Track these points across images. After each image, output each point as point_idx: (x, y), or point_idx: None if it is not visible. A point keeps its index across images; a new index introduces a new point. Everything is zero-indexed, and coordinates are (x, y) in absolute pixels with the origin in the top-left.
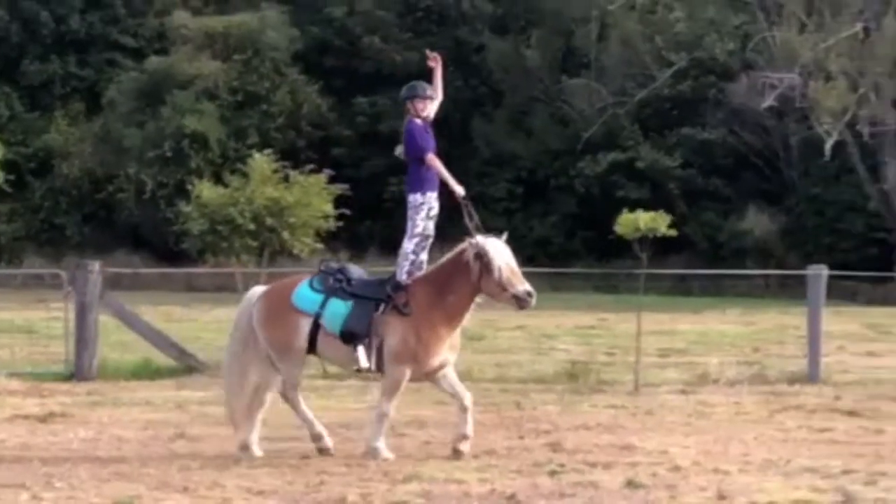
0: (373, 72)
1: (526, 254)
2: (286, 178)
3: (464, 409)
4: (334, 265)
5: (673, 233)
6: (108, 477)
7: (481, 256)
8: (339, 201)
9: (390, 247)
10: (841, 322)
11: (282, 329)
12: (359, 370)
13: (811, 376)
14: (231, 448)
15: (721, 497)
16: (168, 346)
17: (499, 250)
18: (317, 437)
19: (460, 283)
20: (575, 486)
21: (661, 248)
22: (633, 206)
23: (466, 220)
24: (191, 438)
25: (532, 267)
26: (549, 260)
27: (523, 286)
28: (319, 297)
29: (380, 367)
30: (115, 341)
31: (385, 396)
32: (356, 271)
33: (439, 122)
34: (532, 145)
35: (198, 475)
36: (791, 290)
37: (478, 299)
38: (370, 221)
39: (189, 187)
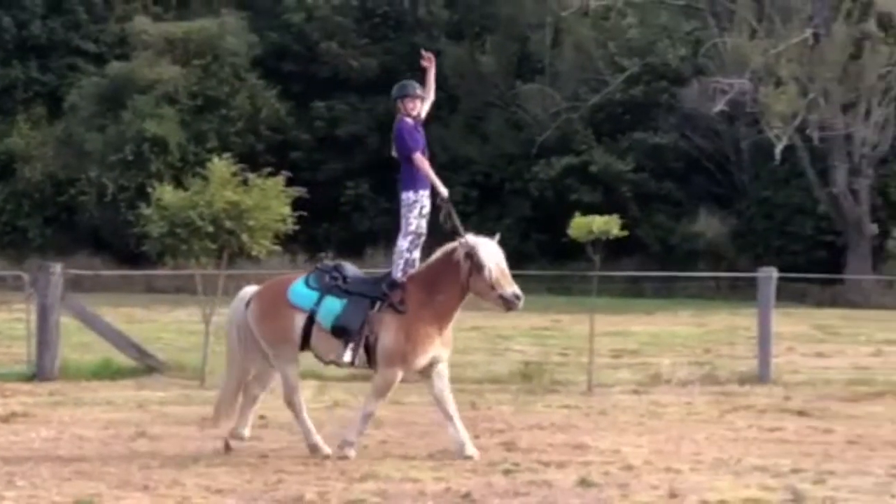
0: (330, 76)
1: None
2: (245, 182)
3: (449, 418)
4: (330, 263)
5: (625, 235)
6: (69, 476)
7: (472, 256)
8: (297, 204)
9: (347, 249)
10: (790, 323)
11: (277, 324)
12: (350, 364)
13: (761, 377)
14: (191, 448)
15: (672, 495)
16: (128, 346)
17: (490, 251)
18: (313, 448)
19: (450, 281)
20: (529, 484)
21: (613, 250)
22: (587, 209)
23: (442, 220)
24: (151, 438)
25: None
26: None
27: (511, 288)
28: (315, 295)
29: (368, 364)
30: (76, 342)
31: (374, 396)
32: (351, 269)
33: (391, 129)
34: (487, 150)
35: (158, 474)
36: (742, 292)
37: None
38: (327, 224)
39: (149, 190)
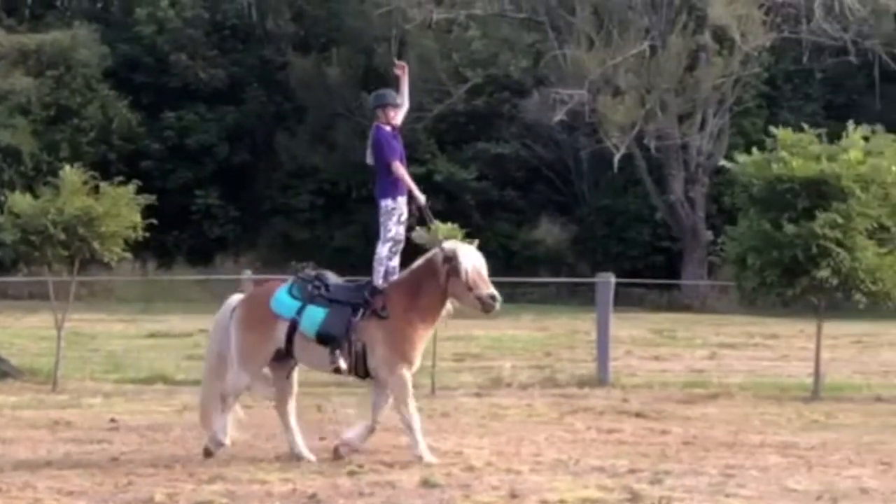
0: (180, 87)
1: (327, 263)
2: (96, 189)
3: (371, 430)
4: (311, 272)
5: (469, 242)
6: None
7: (450, 259)
8: (147, 212)
9: (197, 256)
10: (628, 327)
11: (257, 332)
12: (337, 371)
13: (600, 379)
14: (42, 451)
15: (513, 496)
16: None
17: (468, 255)
18: (214, 441)
19: (431, 286)
20: (373, 485)
21: None
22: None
23: (417, 225)
24: (4, 441)
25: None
26: (351, 268)
27: (488, 290)
28: (297, 304)
29: (356, 371)
30: None
31: (402, 405)
32: (332, 278)
33: (243, 137)
34: (334, 158)
35: (10, 477)
36: (581, 297)
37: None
38: (177, 231)
39: (2, 199)
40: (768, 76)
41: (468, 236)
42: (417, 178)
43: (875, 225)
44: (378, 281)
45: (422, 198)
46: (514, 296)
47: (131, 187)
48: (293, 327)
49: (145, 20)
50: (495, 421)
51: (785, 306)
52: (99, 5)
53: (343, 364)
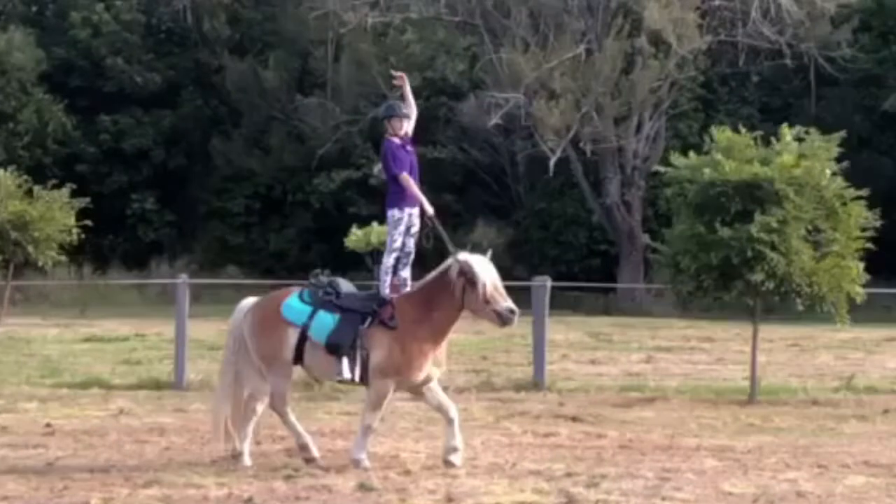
0: (116, 91)
1: (263, 266)
2: (30, 193)
3: (450, 422)
4: (324, 279)
5: None
6: None
7: (465, 273)
8: (82, 216)
9: (132, 260)
10: (565, 331)
11: (270, 339)
12: (341, 381)
13: (536, 383)
14: None
15: (449, 499)
16: None
17: (483, 267)
18: (303, 448)
19: (445, 298)
20: (309, 489)
21: None
22: (366, 221)
23: (426, 239)
24: None
25: (268, 279)
26: (287, 272)
27: (506, 303)
28: (308, 309)
29: (363, 380)
30: None
31: (370, 410)
32: (345, 285)
33: (179, 141)
34: (269, 162)
35: None
36: (517, 301)
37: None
38: (112, 235)
39: None
40: (704, 79)
41: None
42: (352, 182)
43: (810, 228)
44: (385, 291)
45: (430, 209)
46: None
47: (66, 191)
48: (303, 334)
49: (80, 24)
50: (432, 425)
51: (721, 309)
52: (34, 9)
53: (348, 375)
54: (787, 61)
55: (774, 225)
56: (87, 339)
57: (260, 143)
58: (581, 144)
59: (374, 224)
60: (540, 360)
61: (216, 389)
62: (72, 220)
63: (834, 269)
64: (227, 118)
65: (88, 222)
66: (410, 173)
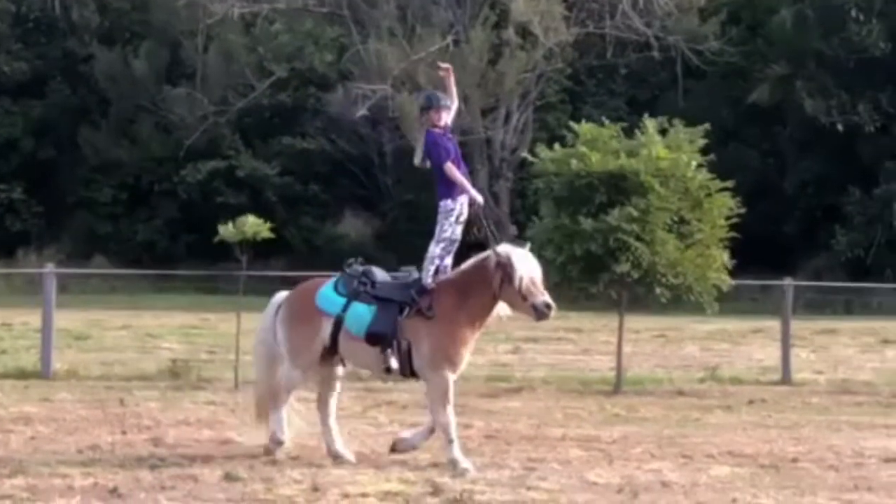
0: None
1: (131, 257)
2: None
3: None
4: (359, 268)
5: (272, 237)
6: None
7: (504, 265)
8: None
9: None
10: None
11: (304, 330)
12: (388, 371)
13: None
14: None
15: (315, 489)
16: None
17: (523, 260)
18: (277, 443)
19: (481, 289)
20: (175, 479)
21: (262, 251)
22: (234, 211)
23: (476, 230)
24: None
25: (136, 269)
26: (154, 262)
27: (543, 297)
28: (342, 300)
29: (404, 371)
30: None
31: (439, 406)
32: (380, 274)
33: (48, 131)
34: (137, 152)
35: None
36: None
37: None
38: None
39: None
40: (572, 71)
41: (272, 231)
42: (219, 173)
43: (675, 219)
44: (427, 280)
45: (478, 198)
46: None
47: None
48: (338, 325)
49: None
50: (298, 415)
51: (589, 301)
52: None
53: (395, 364)
54: (655, 54)
55: (636, 214)
56: None
57: (128, 134)
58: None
59: (249, 216)
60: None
61: (256, 381)
62: None
63: (699, 260)
64: (95, 108)
65: None
66: (455, 163)
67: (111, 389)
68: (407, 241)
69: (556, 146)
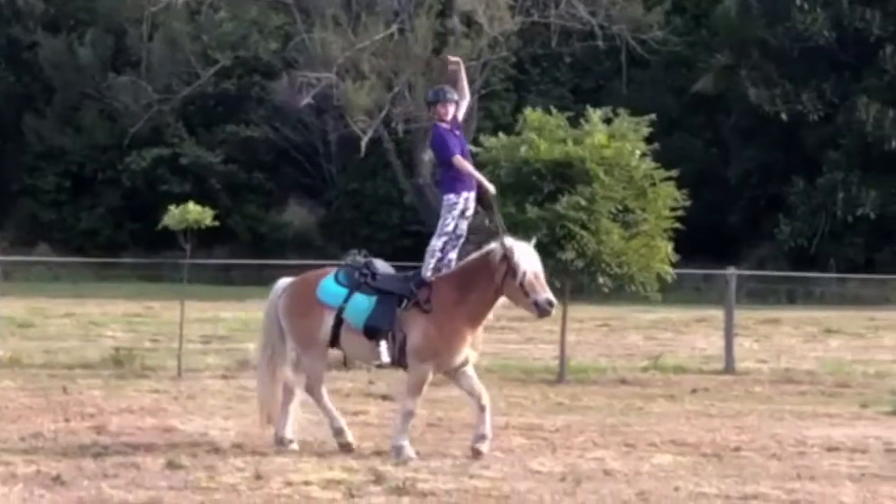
0: None
1: (75, 245)
2: None
3: (481, 409)
4: (361, 259)
5: (216, 225)
6: None
7: (508, 259)
8: None
9: None
10: None
11: (306, 321)
12: (379, 365)
13: (346, 362)
14: None
15: (258, 477)
16: None
17: (527, 255)
18: (338, 432)
19: (484, 283)
20: (118, 467)
21: (205, 239)
22: (178, 199)
23: (487, 220)
24: None
25: (80, 257)
26: (98, 250)
27: (545, 294)
28: (344, 291)
29: (400, 363)
30: None
31: (409, 394)
32: (382, 266)
33: None
34: (81, 140)
35: None
36: None
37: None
38: None
39: None
40: (516, 60)
41: (216, 219)
42: (163, 160)
43: (620, 208)
44: (427, 273)
45: (491, 188)
46: (261, 278)
47: None
48: (339, 317)
49: None
50: (242, 403)
51: None
52: None
53: (386, 359)
54: (600, 43)
55: (583, 203)
56: None
57: (72, 121)
58: (393, 124)
59: (191, 203)
60: None
61: (258, 375)
62: None
63: (643, 249)
64: (39, 95)
65: None
66: (462, 156)
67: (54, 377)
68: (352, 230)
69: (501, 134)
